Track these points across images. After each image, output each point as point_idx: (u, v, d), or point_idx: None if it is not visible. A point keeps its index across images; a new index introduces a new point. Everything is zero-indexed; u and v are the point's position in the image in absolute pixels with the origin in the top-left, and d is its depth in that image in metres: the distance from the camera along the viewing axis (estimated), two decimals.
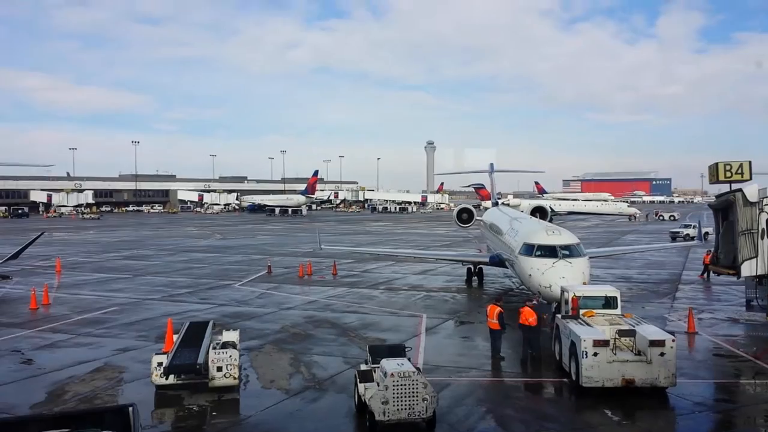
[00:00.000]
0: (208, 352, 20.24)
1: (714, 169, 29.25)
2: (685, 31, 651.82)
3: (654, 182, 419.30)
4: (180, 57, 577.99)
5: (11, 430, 12.83)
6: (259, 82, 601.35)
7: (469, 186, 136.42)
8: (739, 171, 28.66)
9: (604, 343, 19.47)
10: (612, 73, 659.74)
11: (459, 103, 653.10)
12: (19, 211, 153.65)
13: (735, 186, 28.49)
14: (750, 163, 28.71)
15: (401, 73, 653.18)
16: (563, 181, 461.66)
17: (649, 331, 20.26)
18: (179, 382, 20.07)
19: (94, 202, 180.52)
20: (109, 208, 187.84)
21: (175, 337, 22.39)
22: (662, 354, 19.21)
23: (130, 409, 13.34)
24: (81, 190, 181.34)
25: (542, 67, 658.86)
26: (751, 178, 28.70)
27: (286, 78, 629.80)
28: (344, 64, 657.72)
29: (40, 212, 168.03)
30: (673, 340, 19.59)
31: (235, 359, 20.26)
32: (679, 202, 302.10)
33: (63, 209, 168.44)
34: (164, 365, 19.69)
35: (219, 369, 19.93)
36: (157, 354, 20.87)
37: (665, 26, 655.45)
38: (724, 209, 29.14)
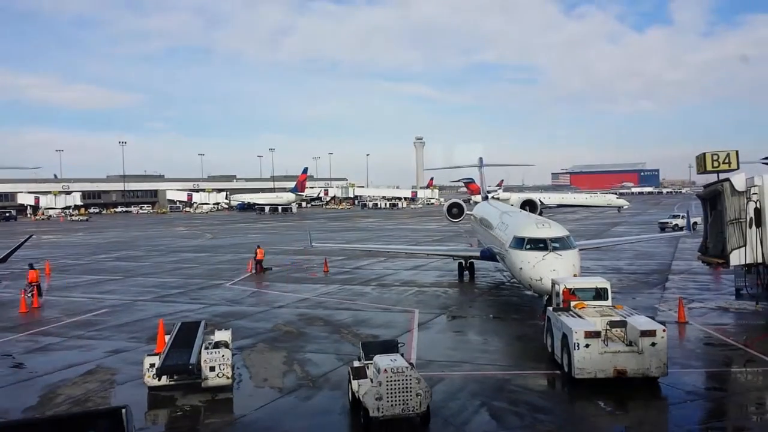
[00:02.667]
0: (200, 353, 20.20)
1: (702, 159, 29.37)
2: (689, 16, 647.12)
3: (642, 173, 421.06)
4: (167, 49, 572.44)
5: None
6: (247, 78, 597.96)
7: (458, 181, 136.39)
8: (727, 160, 28.78)
9: (595, 335, 19.56)
10: (605, 62, 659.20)
11: (453, 93, 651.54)
12: (6, 214, 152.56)
13: (722, 176, 28.66)
14: (737, 152, 28.83)
15: (394, 64, 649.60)
16: (552, 174, 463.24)
17: (640, 322, 20.36)
18: (172, 382, 20.01)
19: (82, 203, 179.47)
20: (97, 210, 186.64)
21: (167, 337, 22.33)
22: (653, 344, 19.31)
23: (123, 410, 13.26)
24: (69, 192, 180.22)
25: (541, 57, 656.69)
26: (738, 168, 28.85)
27: (274, 73, 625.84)
28: (336, 54, 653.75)
29: (28, 215, 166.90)
30: (664, 330, 19.68)
31: (228, 359, 20.21)
32: (668, 192, 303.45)
33: (51, 211, 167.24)
34: (156, 366, 19.61)
35: (212, 369, 19.89)
36: (149, 355, 20.79)
37: (677, 10, 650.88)
38: (712, 199, 29.30)
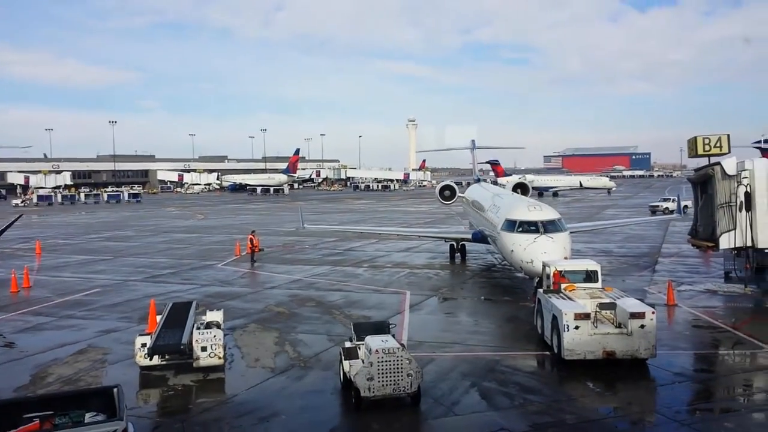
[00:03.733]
0: (192, 333, 20.24)
1: (693, 143, 29.47)
2: None
3: (634, 156, 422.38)
4: (156, 24, 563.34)
5: None
6: (238, 55, 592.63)
7: (485, 162, 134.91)
8: (718, 144, 28.91)
9: (585, 317, 19.71)
10: (603, 42, 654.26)
11: (448, 73, 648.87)
12: None
13: (714, 159, 28.77)
14: (728, 136, 28.95)
15: (389, 43, 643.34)
16: (544, 156, 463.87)
17: (630, 304, 20.53)
18: (164, 362, 20.07)
19: (72, 183, 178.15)
20: (87, 190, 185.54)
21: (158, 318, 22.36)
22: (642, 326, 19.48)
23: (115, 390, 13.33)
24: (59, 172, 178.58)
25: (540, 36, 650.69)
26: (729, 152, 28.99)
27: (266, 52, 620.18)
28: (330, 31, 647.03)
29: (18, 194, 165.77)
30: (653, 313, 19.87)
31: (220, 339, 20.24)
32: (659, 176, 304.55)
33: (41, 191, 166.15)
34: (148, 346, 19.64)
35: (203, 349, 19.92)
36: (140, 335, 20.83)
37: None
38: (703, 183, 29.43)
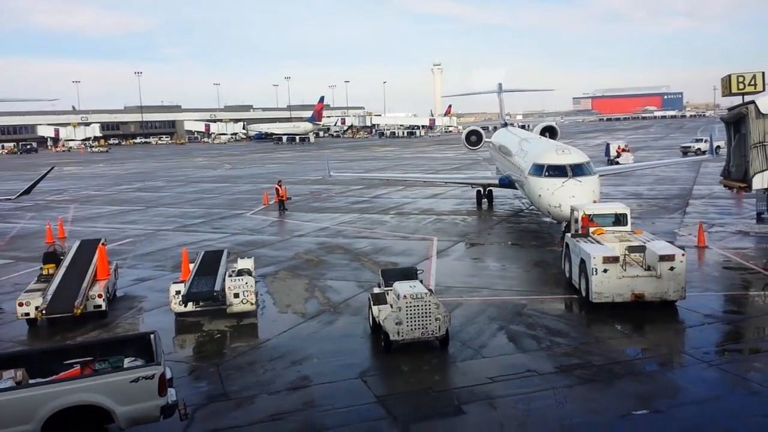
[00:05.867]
0: (224, 280, 20.67)
1: (727, 81, 28.69)
2: None
3: (665, 96, 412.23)
4: None
5: (36, 361, 13.26)
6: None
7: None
8: (752, 82, 28.10)
9: (613, 260, 19.66)
10: None
11: (476, 9, 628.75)
12: (28, 147, 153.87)
13: (748, 98, 28.02)
14: (763, 74, 28.10)
15: None
16: (573, 98, 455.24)
17: (659, 247, 20.39)
18: (198, 309, 20.58)
19: (101, 135, 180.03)
20: (116, 141, 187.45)
21: (191, 266, 22.79)
22: (672, 268, 19.39)
23: (152, 336, 13.73)
24: (88, 124, 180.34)
25: None
26: (764, 89, 28.17)
27: None
28: None
29: (49, 147, 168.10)
30: (683, 255, 19.73)
31: (252, 285, 20.65)
32: (691, 116, 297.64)
33: (71, 143, 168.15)
34: (182, 294, 20.14)
35: (236, 295, 20.37)
36: (174, 283, 21.31)
37: None
38: (737, 122, 28.76)
